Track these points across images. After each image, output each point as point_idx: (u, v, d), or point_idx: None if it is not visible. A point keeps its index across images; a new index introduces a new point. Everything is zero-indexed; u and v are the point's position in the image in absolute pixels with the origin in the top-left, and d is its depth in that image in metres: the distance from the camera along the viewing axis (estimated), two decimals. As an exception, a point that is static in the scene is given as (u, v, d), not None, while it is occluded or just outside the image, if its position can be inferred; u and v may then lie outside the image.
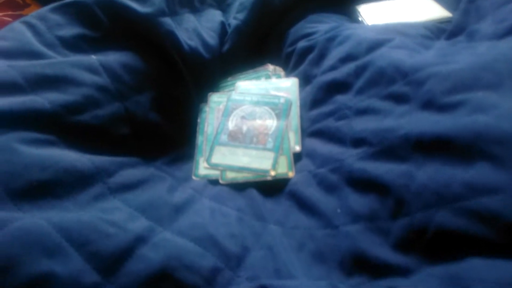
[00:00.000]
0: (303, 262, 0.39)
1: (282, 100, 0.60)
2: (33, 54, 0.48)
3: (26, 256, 0.33)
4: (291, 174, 0.50)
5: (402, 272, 0.33)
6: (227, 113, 0.59)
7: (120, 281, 0.35)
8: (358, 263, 0.37)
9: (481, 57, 0.41)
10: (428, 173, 0.35)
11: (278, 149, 0.53)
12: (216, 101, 0.62)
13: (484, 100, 0.36)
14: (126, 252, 0.37)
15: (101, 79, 0.49)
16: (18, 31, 0.50)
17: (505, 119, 0.33)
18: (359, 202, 0.41)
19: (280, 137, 0.54)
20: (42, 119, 0.43)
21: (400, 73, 0.45)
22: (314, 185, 0.47)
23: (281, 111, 0.58)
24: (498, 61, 0.38)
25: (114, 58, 0.52)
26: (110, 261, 0.36)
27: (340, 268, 0.38)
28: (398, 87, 0.45)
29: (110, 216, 0.40)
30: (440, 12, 0.72)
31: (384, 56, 0.50)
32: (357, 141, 0.45)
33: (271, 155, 0.52)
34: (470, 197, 0.31)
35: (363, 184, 0.41)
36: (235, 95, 0.61)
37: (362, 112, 0.49)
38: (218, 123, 0.58)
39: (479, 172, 0.32)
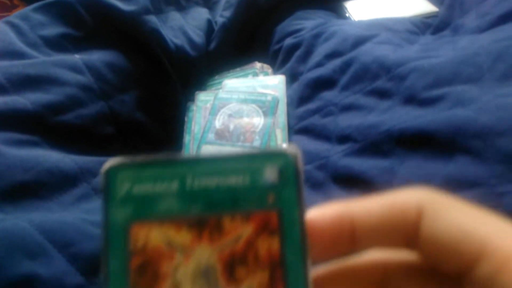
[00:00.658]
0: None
1: (269, 98, 0.60)
2: (16, 54, 0.47)
3: (8, 258, 0.32)
4: None
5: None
6: (214, 112, 0.59)
7: (104, 282, 0.35)
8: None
9: (462, 51, 0.41)
10: (410, 168, 0.35)
11: (265, 147, 0.53)
12: (203, 99, 0.62)
13: (464, 94, 0.36)
14: (110, 252, 0.37)
15: (85, 79, 0.49)
16: (0, 31, 0.49)
17: (484, 113, 0.33)
18: (343, 198, 0.41)
19: (267, 134, 0.54)
20: (24, 120, 0.42)
21: (384, 69, 0.46)
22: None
23: (268, 108, 0.58)
24: (479, 54, 0.39)
25: (98, 57, 0.52)
26: (93, 262, 0.36)
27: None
28: (382, 83, 0.45)
29: (93, 216, 0.39)
30: (426, 7, 0.72)
31: (368, 52, 0.50)
32: (342, 138, 0.45)
33: None
34: (450, 191, 0.31)
35: (347, 180, 0.41)
36: (222, 94, 0.61)
37: (347, 108, 0.49)
38: (205, 122, 0.58)
39: (459, 166, 0.32)
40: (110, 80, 0.51)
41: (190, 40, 0.63)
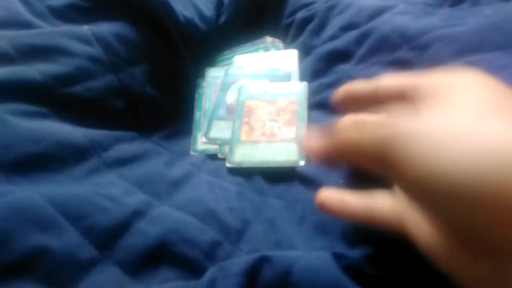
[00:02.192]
0: (304, 235, 0.38)
1: (281, 72, 0.58)
2: (23, 24, 0.46)
3: (19, 230, 0.32)
4: (302, 163, 0.46)
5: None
6: (224, 88, 0.57)
7: (117, 256, 0.34)
8: (362, 234, 0.36)
9: (488, 18, 0.39)
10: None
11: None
12: (214, 76, 0.60)
13: (494, 61, 0.34)
14: (123, 226, 0.36)
15: (94, 50, 0.47)
16: (7, 0, 0.48)
17: (516, 81, 0.31)
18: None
19: None
20: (33, 91, 0.41)
21: (405, 38, 0.44)
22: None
23: (280, 83, 0.56)
24: (507, 21, 0.37)
25: (107, 28, 0.50)
26: (107, 235, 0.35)
27: (343, 239, 0.37)
28: (403, 53, 0.43)
29: (106, 190, 0.38)
30: (443, -19, 0.70)
31: (388, 22, 0.48)
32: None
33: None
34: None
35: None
36: (232, 69, 0.60)
37: (365, 81, 0.47)
38: (215, 97, 0.56)
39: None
40: (120, 52, 0.50)
41: (200, 13, 0.61)
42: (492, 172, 0.16)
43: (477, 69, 0.35)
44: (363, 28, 0.51)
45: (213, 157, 0.51)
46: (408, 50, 0.43)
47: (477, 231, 0.18)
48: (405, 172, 0.20)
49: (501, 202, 0.16)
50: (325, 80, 0.53)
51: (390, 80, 0.28)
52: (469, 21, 0.41)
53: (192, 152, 0.52)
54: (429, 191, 0.19)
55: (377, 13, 0.52)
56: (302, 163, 0.46)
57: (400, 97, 0.26)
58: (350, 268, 0.31)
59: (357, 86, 0.32)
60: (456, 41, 0.38)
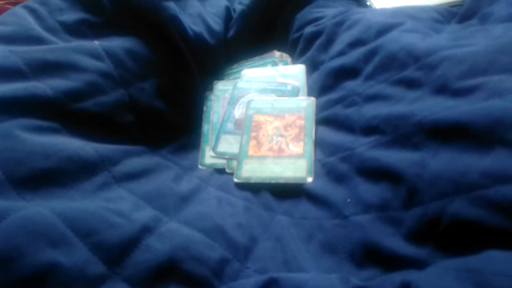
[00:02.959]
0: (312, 253, 0.39)
1: (289, 87, 0.58)
2: (35, 39, 0.46)
3: (30, 247, 0.32)
4: (310, 180, 0.46)
5: (416, 264, 0.32)
6: (233, 102, 0.58)
7: (126, 272, 0.35)
8: (370, 255, 0.36)
9: (497, 39, 0.40)
10: (443, 161, 0.34)
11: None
12: (222, 89, 0.61)
13: (501, 84, 0.34)
14: (132, 242, 0.36)
15: (104, 65, 0.48)
16: (19, 15, 0.49)
17: (525, 104, 0.32)
18: (370, 191, 0.40)
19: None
20: (44, 106, 0.42)
21: (412, 58, 0.44)
22: (323, 174, 0.46)
23: (288, 98, 0.57)
24: (516, 43, 0.37)
25: (117, 44, 0.51)
26: (116, 251, 0.35)
27: (351, 259, 0.37)
28: (410, 72, 0.43)
29: (115, 205, 0.39)
30: (450, -4, 0.70)
31: (395, 40, 0.48)
32: (368, 129, 0.44)
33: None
34: (487, 186, 0.30)
35: (374, 173, 0.40)
36: (241, 83, 0.60)
37: (372, 98, 0.47)
38: (224, 111, 0.57)
39: (497, 159, 0.31)
40: (130, 67, 0.50)
41: (209, 28, 0.62)
42: None
43: (484, 91, 0.35)
44: (371, 45, 0.51)
45: (221, 171, 0.51)
46: (415, 70, 0.43)
47: None
48: None
49: None
50: (332, 95, 0.53)
51: None
52: (477, 41, 0.41)
53: (200, 166, 0.52)
54: None
55: (385, 30, 0.52)
56: (309, 179, 0.46)
57: None
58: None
59: None
60: (464, 62, 0.38)
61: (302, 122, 0.52)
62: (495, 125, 0.32)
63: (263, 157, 0.50)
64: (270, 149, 0.50)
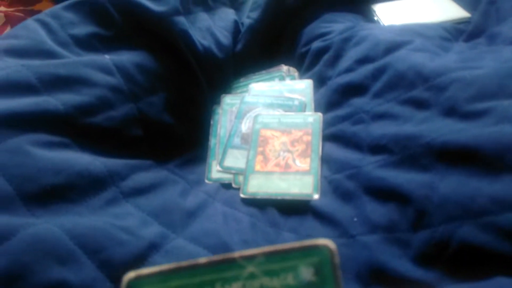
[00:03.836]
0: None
1: (296, 102, 0.59)
2: (47, 53, 0.47)
3: (38, 264, 0.32)
4: (316, 196, 0.46)
5: (423, 287, 0.32)
6: (240, 116, 0.58)
7: (133, 290, 0.35)
8: (376, 275, 0.36)
9: (506, 63, 0.40)
10: (451, 184, 0.34)
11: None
12: (229, 103, 0.61)
13: (511, 109, 0.34)
14: (139, 260, 0.36)
15: (115, 80, 0.48)
16: (31, 29, 0.49)
17: (535, 131, 0.32)
18: (377, 211, 0.40)
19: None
20: (55, 121, 0.42)
21: (421, 78, 0.44)
22: (329, 192, 0.46)
23: (295, 113, 0.57)
24: (526, 68, 0.37)
25: (127, 58, 0.51)
26: (123, 269, 0.35)
27: (357, 279, 0.37)
28: (419, 92, 0.44)
29: (123, 222, 0.39)
30: (458, 13, 0.70)
31: (404, 59, 0.48)
32: (376, 148, 0.44)
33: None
34: (497, 212, 0.30)
35: (382, 193, 0.40)
36: (248, 97, 0.60)
37: (380, 116, 0.47)
38: (231, 125, 0.57)
39: (507, 186, 0.31)
40: (139, 81, 0.51)
41: (217, 41, 0.62)
42: None
43: (494, 115, 0.35)
44: (379, 63, 0.51)
45: (227, 186, 0.51)
46: (424, 90, 0.43)
47: None
48: None
49: None
50: (340, 112, 0.53)
51: None
52: (486, 63, 0.41)
53: (206, 181, 0.52)
54: None
55: (393, 47, 0.53)
56: (316, 196, 0.46)
57: None
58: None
59: None
60: (473, 85, 0.39)
61: (309, 137, 0.53)
62: (505, 151, 0.32)
63: (270, 173, 0.50)
64: (277, 165, 0.50)
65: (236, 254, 0.17)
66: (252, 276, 0.16)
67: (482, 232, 0.30)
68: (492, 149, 0.32)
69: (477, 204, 0.31)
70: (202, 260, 0.16)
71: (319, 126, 0.54)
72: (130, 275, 0.16)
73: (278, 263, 0.16)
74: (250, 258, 0.16)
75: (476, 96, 0.38)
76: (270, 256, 0.16)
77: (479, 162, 0.33)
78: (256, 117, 0.56)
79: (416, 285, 0.33)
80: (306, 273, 0.16)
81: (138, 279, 0.16)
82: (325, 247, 0.16)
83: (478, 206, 0.31)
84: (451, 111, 0.39)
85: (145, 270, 0.16)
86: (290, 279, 0.16)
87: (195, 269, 0.16)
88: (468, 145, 0.34)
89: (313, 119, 0.55)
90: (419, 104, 0.43)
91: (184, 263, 0.16)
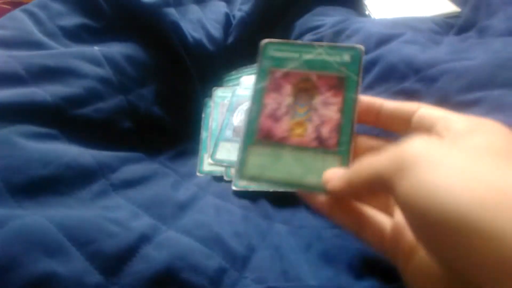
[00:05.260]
0: (311, 263, 0.38)
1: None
2: (34, 44, 0.46)
3: (27, 256, 0.32)
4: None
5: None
6: (231, 109, 0.58)
7: (124, 282, 0.34)
8: (369, 266, 0.36)
9: (496, 54, 0.40)
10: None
11: None
12: (221, 96, 0.61)
13: (502, 98, 0.35)
14: (130, 251, 0.36)
15: (104, 71, 0.48)
16: (18, 19, 0.48)
17: (525, 120, 0.32)
18: None
19: None
20: (43, 112, 0.41)
21: (412, 69, 0.44)
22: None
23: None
24: (515, 58, 0.37)
25: (117, 49, 0.51)
26: (113, 261, 0.35)
27: (350, 270, 0.37)
28: (410, 83, 0.44)
29: (112, 214, 0.38)
30: (448, 7, 0.71)
31: (395, 51, 0.48)
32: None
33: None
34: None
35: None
36: (239, 90, 0.60)
37: (372, 109, 0.47)
38: (222, 118, 0.57)
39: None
40: (129, 73, 0.50)
41: (208, 34, 0.62)
42: (484, 216, 0.17)
43: (485, 105, 0.36)
44: (371, 55, 0.51)
45: (219, 179, 0.51)
46: (415, 81, 0.43)
47: (465, 264, 0.18)
48: (413, 190, 0.20)
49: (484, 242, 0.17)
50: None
51: (411, 107, 0.31)
52: (477, 55, 0.42)
53: (198, 173, 0.52)
54: (431, 216, 0.19)
55: (384, 40, 0.53)
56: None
57: (405, 122, 0.31)
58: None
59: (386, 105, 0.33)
60: (464, 76, 0.39)
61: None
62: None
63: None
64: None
65: (316, 43, 0.37)
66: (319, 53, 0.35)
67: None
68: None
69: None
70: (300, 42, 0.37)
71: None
72: (267, 40, 0.37)
73: (335, 49, 0.36)
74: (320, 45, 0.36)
75: (467, 86, 0.38)
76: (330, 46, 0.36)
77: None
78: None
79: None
80: (347, 56, 0.35)
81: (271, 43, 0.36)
82: (359, 48, 0.36)
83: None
84: (443, 102, 0.39)
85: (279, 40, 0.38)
86: (341, 57, 0.35)
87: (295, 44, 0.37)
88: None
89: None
90: (411, 95, 0.43)
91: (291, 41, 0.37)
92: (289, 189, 0.39)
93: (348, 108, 0.34)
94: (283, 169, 0.34)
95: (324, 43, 0.36)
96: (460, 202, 0.18)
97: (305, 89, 0.35)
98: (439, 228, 0.19)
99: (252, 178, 0.35)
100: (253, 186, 0.48)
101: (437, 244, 0.20)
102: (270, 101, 0.35)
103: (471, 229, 0.17)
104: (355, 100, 0.34)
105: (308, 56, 0.36)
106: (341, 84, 0.35)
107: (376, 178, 0.24)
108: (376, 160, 0.24)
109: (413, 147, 0.21)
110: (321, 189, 0.31)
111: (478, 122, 0.25)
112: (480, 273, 0.18)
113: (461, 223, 0.17)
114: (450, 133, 0.25)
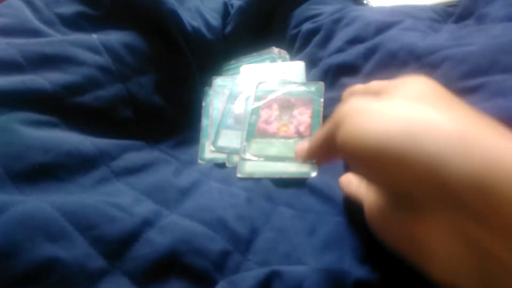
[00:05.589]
0: (314, 247, 0.38)
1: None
2: (32, 32, 0.46)
3: (29, 241, 0.32)
4: (313, 174, 0.46)
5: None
6: (232, 97, 0.58)
7: (127, 266, 0.34)
8: (372, 252, 0.36)
9: (497, 39, 0.40)
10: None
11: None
12: (221, 84, 0.60)
13: (504, 83, 0.35)
14: (133, 236, 0.36)
15: (103, 59, 0.47)
16: (16, 7, 0.48)
17: (526, 103, 0.32)
18: None
19: None
20: (43, 100, 0.41)
21: (413, 56, 0.44)
22: (328, 170, 0.46)
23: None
24: (516, 43, 0.37)
25: (115, 37, 0.50)
26: (116, 245, 0.35)
27: (353, 255, 0.37)
28: (411, 70, 0.44)
29: (115, 199, 0.38)
30: (447, -4, 0.71)
31: (395, 38, 0.48)
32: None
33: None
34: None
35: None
36: (239, 79, 0.60)
37: (372, 96, 0.47)
38: (223, 107, 0.57)
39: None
40: (128, 61, 0.50)
41: (207, 23, 0.61)
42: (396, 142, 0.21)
43: (487, 90, 0.36)
44: (370, 43, 0.51)
45: (221, 166, 0.51)
46: (417, 68, 0.43)
47: (397, 188, 0.23)
48: (350, 135, 0.24)
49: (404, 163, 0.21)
50: (332, 93, 0.53)
51: (374, 83, 0.36)
52: (477, 40, 0.42)
53: (200, 161, 0.52)
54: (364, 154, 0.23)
55: (384, 28, 0.53)
56: (313, 174, 0.46)
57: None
58: (359, 286, 0.31)
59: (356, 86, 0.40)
60: (465, 62, 0.39)
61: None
62: (499, 124, 0.32)
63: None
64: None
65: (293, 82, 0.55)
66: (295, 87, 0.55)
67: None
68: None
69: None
70: None
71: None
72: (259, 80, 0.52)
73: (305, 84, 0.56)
74: None
75: (468, 72, 0.38)
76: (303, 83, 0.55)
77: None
78: (247, 99, 0.56)
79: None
80: (313, 88, 0.54)
81: None
82: (321, 83, 0.54)
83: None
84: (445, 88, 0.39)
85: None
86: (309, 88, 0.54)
87: None
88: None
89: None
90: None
91: None
92: (281, 167, 0.48)
93: (316, 115, 0.52)
94: (275, 149, 0.50)
95: (298, 82, 0.56)
96: (379, 136, 0.22)
97: (287, 106, 0.53)
98: (371, 160, 0.23)
99: (255, 155, 0.50)
100: (257, 174, 0.48)
101: (375, 174, 0.24)
102: (264, 114, 0.53)
103: (392, 155, 0.21)
104: (320, 111, 0.52)
105: (288, 89, 0.56)
106: (310, 103, 0.53)
107: (326, 139, 0.28)
108: (324, 126, 0.28)
109: (347, 106, 0.25)
110: (301, 174, 0.47)
111: (408, 78, 0.29)
112: (412, 188, 0.21)
113: (382, 152, 0.21)
114: (386, 91, 0.29)
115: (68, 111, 0.43)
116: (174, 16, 0.55)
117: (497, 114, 0.32)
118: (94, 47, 0.48)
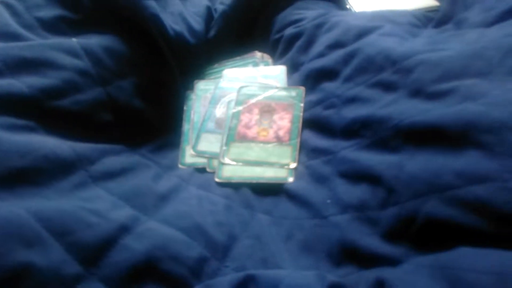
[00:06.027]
0: (291, 252, 0.39)
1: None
2: (11, 36, 0.46)
3: (4, 247, 0.31)
4: (290, 179, 0.47)
5: (391, 262, 0.33)
6: (214, 101, 0.58)
7: (103, 272, 0.34)
8: (347, 253, 0.37)
9: (471, 44, 0.41)
10: (419, 163, 0.35)
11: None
12: (203, 88, 0.61)
13: (474, 88, 0.35)
14: (109, 242, 0.36)
15: (82, 63, 0.47)
16: (-6, 11, 0.48)
17: (495, 107, 0.33)
18: (349, 192, 0.40)
19: None
20: (20, 104, 0.41)
21: (390, 61, 0.45)
22: (305, 176, 0.46)
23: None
24: (488, 48, 0.38)
25: (96, 41, 0.50)
26: (92, 251, 0.35)
27: (329, 258, 0.37)
28: (387, 75, 0.44)
29: (92, 205, 0.38)
30: (427, 1, 0.72)
31: (373, 44, 0.49)
32: (349, 133, 0.45)
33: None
34: (460, 186, 0.31)
35: (354, 174, 0.41)
36: (223, 83, 0.60)
37: (351, 100, 0.48)
38: (204, 111, 0.57)
39: (470, 161, 0.31)
40: (108, 65, 0.50)
41: (190, 27, 0.62)
42: None
43: (458, 94, 0.36)
44: (350, 48, 0.52)
45: (201, 170, 0.51)
46: (392, 73, 0.44)
47: None
48: None
49: None
50: (312, 97, 0.54)
51: None
52: (452, 46, 0.42)
53: (180, 165, 0.52)
54: None
55: (363, 33, 0.53)
56: (290, 179, 0.46)
57: None
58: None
59: None
60: (438, 66, 0.39)
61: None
62: (468, 128, 0.32)
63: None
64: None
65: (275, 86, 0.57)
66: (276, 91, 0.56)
67: (446, 206, 0.31)
68: (456, 127, 0.33)
69: (442, 180, 0.32)
70: None
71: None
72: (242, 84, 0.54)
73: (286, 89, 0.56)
74: None
75: (441, 76, 0.39)
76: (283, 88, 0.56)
77: (444, 140, 0.34)
78: (229, 102, 0.56)
79: (384, 260, 0.34)
80: (293, 92, 0.55)
81: None
82: (302, 88, 0.55)
83: (443, 182, 0.32)
84: (418, 92, 0.40)
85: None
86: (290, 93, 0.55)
87: None
88: (434, 125, 0.35)
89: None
90: (387, 87, 0.44)
91: None
92: (259, 172, 0.49)
93: (296, 120, 0.52)
94: (254, 154, 0.50)
95: (279, 86, 0.58)
96: None
97: (268, 111, 0.54)
98: None
99: (234, 160, 0.50)
100: (235, 178, 0.48)
101: None
102: (244, 118, 0.54)
103: None
104: (300, 116, 0.53)
105: (269, 93, 0.56)
106: (290, 107, 0.54)
107: None
108: None
109: None
110: (281, 165, 0.49)
111: None
112: None
113: None
114: None
115: (46, 115, 0.43)
116: (156, 20, 0.55)
117: (467, 118, 0.33)
118: (74, 51, 0.48)
